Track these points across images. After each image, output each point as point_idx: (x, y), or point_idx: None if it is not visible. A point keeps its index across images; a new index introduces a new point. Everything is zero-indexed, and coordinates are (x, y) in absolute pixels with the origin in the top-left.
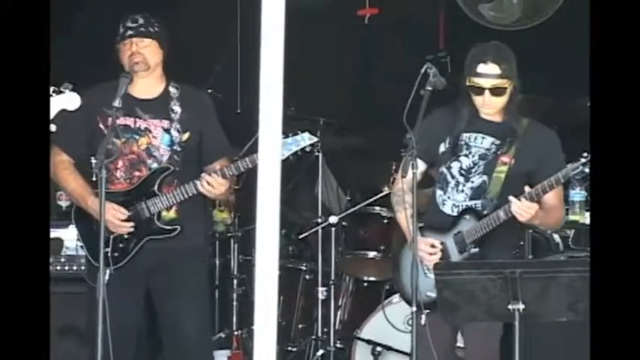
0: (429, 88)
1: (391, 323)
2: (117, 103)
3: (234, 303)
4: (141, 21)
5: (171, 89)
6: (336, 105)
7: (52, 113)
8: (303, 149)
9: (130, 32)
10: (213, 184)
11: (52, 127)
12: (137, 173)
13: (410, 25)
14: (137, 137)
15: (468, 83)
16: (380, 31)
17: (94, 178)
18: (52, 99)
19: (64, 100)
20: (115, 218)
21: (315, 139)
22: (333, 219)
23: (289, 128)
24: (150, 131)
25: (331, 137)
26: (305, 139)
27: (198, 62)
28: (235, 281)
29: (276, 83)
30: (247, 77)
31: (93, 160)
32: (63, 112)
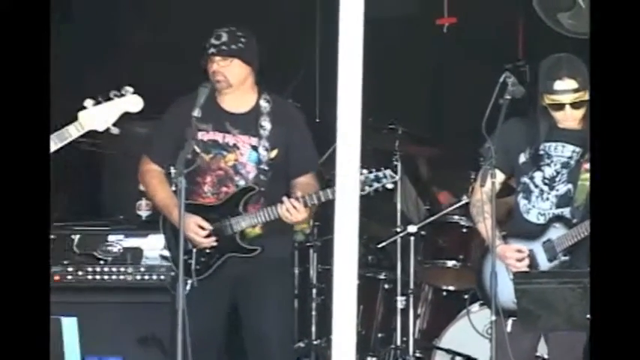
0: (508, 97)
1: (476, 329)
2: (196, 112)
3: (314, 312)
4: (224, 38)
5: (262, 102)
6: (415, 114)
7: (115, 116)
8: (383, 186)
9: (211, 50)
10: (292, 211)
11: (115, 130)
12: (224, 189)
13: (488, 34)
14: (225, 153)
15: (546, 101)
16: (458, 40)
17: (173, 188)
18: (113, 102)
19: (126, 103)
20: (198, 233)
21: (397, 177)
22: (412, 228)
23: (368, 138)
24: (238, 148)
25: (410, 146)
26: (387, 177)
27: (277, 72)
28: (314, 291)
29: (354, 92)
30: (326, 86)
31: (172, 170)
32: (153, 121)
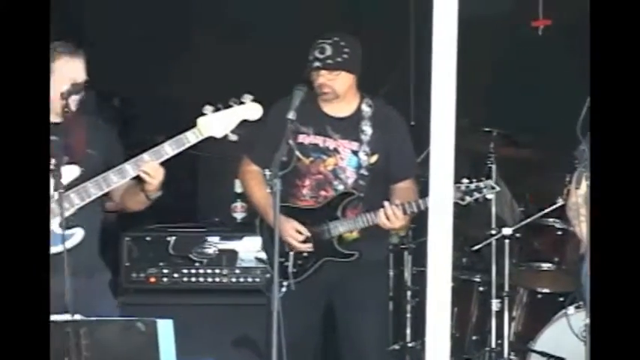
0: None
1: (574, 331)
2: (291, 115)
3: (408, 315)
4: (328, 51)
5: (364, 107)
6: (509, 115)
7: (234, 124)
8: (484, 196)
9: (317, 64)
10: (392, 218)
11: (233, 137)
12: (323, 193)
13: (583, 36)
14: (325, 157)
15: None
16: (554, 42)
17: (268, 190)
18: (232, 109)
19: (245, 111)
20: (295, 238)
21: (498, 188)
22: (506, 230)
23: (462, 140)
24: (338, 152)
25: (504, 148)
26: (488, 187)
27: (371, 74)
28: (409, 293)
29: (448, 95)
30: (421, 89)
31: (267, 172)
32: (252, 123)
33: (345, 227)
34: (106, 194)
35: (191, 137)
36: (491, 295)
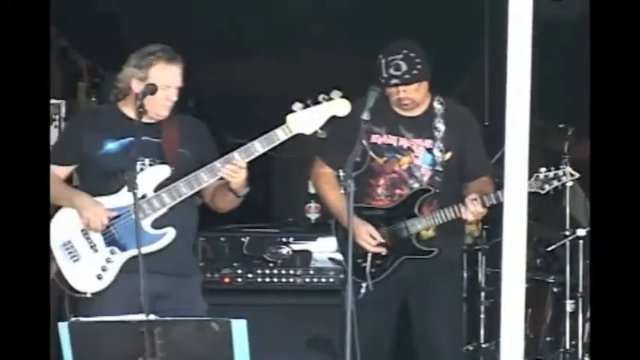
0: None
1: None
2: (365, 116)
3: (482, 316)
4: (404, 67)
5: (436, 105)
6: (584, 114)
7: (323, 120)
8: (563, 184)
9: (394, 81)
10: (473, 211)
11: (322, 134)
12: (398, 191)
13: None
14: (399, 156)
15: None
16: None
17: (341, 191)
18: (321, 105)
19: (334, 107)
20: (369, 242)
21: (577, 175)
22: (580, 231)
23: (537, 139)
24: (412, 150)
25: (579, 147)
26: (567, 175)
27: (446, 74)
28: (483, 294)
29: (522, 94)
30: (495, 88)
31: (341, 173)
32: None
33: (423, 224)
34: (199, 195)
35: (280, 134)
36: (566, 296)
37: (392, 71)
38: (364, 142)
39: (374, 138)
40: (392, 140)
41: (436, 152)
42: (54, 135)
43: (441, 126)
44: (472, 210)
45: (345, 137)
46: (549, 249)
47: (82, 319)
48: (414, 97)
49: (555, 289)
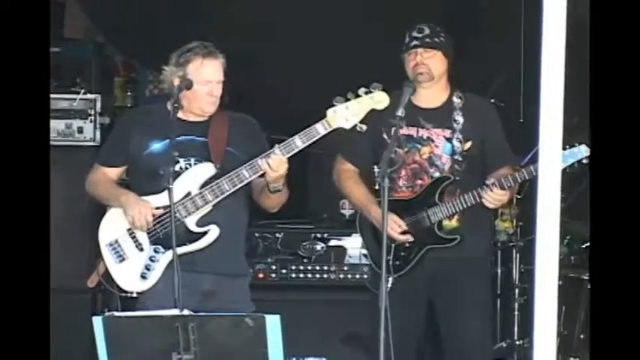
0: None
1: None
2: (400, 112)
3: (516, 312)
4: (427, 31)
5: (455, 99)
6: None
7: (362, 114)
8: (579, 161)
9: (415, 42)
10: (493, 195)
11: (362, 128)
12: (419, 182)
13: None
14: (419, 147)
15: None
16: None
17: (376, 187)
18: (361, 99)
19: (373, 100)
20: (394, 230)
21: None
22: None
23: (571, 138)
24: (432, 140)
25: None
26: (582, 152)
27: (481, 71)
28: (517, 291)
29: (556, 92)
30: (531, 86)
31: (375, 170)
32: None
33: (445, 212)
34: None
35: (320, 129)
36: None
37: (415, 33)
38: (384, 135)
39: (393, 130)
40: (412, 131)
41: (455, 142)
42: (88, 129)
43: (459, 118)
44: (491, 193)
45: (366, 133)
46: (585, 246)
47: (116, 313)
48: (430, 64)
49: (589, 286)
